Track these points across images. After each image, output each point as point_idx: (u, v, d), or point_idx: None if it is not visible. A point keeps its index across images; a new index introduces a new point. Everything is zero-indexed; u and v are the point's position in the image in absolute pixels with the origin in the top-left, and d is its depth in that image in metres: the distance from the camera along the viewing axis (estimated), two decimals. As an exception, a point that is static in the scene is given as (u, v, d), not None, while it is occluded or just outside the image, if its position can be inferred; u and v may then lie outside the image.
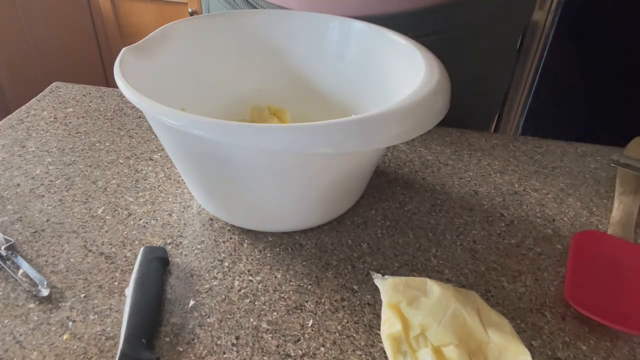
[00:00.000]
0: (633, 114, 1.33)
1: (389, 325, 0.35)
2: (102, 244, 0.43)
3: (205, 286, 0.40)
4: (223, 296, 0.39)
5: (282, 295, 0.39)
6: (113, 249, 0.43)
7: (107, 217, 0.46)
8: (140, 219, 0.46)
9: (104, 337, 0.36)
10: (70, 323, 0.36)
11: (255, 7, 0.60)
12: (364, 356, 0.35)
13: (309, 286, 0.40)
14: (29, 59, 1.72)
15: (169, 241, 0.44)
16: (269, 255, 0.43)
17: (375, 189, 0.51)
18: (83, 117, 0.61)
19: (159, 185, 0.50)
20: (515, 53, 0.68)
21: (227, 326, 0.37)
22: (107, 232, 0.44)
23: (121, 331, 0.34)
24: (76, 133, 0.58)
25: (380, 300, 0.38)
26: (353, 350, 0.35)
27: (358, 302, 0.39)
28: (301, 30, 0.53)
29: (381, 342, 0.36)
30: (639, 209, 0.49)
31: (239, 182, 0.39)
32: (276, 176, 0.39)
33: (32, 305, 0.38)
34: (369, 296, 0.39)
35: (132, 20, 1.86)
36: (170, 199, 0.48)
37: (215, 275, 0.41)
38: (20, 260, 0.41)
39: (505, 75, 0.71)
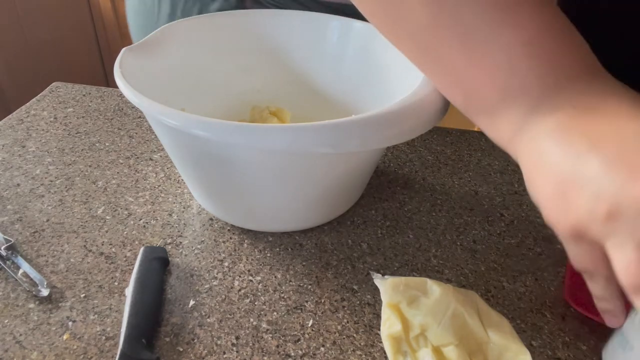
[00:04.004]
0: (633, 114, 1.33)
1: (389, 325, 0.35)
2: (102, 244, 0.43)
3: (205, 286, 0.40)
4: (223, 296, 0.39)
5: (282, 295, 0.39)
6: (113, 249, 0.43)
7: (107, 217, 0.46)
8: (140, 219, 0.46)
9: (104, 337, 0.36)
10: (70, 323, 0.36)
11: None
12: (364, 356, 0.35)
13: (309, 286, 0.40)
14: (29, 59, 1.72)
15: (169, 241, 0.44)
16: (269, 255, 0.43)
17: (375, 189, 0.51)
18: (83, 117, 0.61)
19: (159, 185, 0.50)
20: None
21: (227, 326, 0.37)
22: (107, 232, 0.44)
23: (121, 331, 0.34)
24: (76, 133, 0.58)
25: (380, 300, 0.38)
26: (353, 350, 0.35)
27: (358, 302, 0.39)
28: (301, 30, 0.53)
29: (381, 342, 0.36)
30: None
31: (238, 182, 0.39)
32: (276, 176, 0.39)
33: (32, 305, 0.38)
34: (369, 296, 0.39)
35: (132, 20, 1.85)
36: (170, 199, 0.48)
37: (215, 275, 0.41)
38: (20, 260, 0.41)
39: None
